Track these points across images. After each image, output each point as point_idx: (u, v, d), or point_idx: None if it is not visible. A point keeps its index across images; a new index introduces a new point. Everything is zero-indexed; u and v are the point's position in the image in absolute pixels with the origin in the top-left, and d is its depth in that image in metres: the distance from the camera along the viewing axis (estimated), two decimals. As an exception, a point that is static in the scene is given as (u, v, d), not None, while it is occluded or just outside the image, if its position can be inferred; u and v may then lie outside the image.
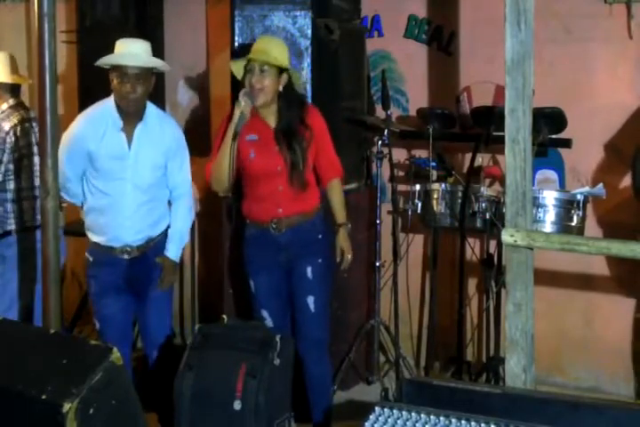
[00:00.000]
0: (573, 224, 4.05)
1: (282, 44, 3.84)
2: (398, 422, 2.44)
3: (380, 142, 4.43)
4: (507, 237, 2.90)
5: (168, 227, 3.88)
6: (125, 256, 3.80)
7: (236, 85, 4.20)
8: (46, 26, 3.29)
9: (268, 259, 3.85)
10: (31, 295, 4.41)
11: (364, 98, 4.70)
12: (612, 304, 4.58)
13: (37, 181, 4.39)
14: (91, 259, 3.87)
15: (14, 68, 4.56)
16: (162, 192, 3.86)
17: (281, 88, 3.75)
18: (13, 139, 4.38)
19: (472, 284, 4.80)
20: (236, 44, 4.27)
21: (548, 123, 4.18)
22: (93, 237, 3.86)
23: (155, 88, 3.93)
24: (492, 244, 4.42)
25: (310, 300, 3.83)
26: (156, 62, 3.80)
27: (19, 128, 4.39)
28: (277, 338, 3.44)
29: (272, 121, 3.80)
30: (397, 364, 4.54)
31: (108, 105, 3.78)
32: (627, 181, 4.37)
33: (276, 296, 3.90)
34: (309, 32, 4.22)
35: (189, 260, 5.17)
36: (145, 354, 3.97)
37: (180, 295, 5.25)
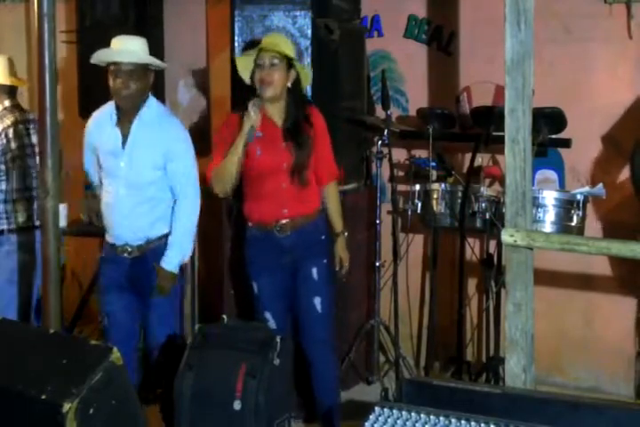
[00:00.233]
0: (573, 224, 4.05)
1: (289, 41, 3.88)
2: (398, 422, 2.44)
3: (379, 142, 4.43)
4: (506, 237, 2.90)
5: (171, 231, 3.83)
6: (126, 255, 3.80)
7: (236, 85, 4.20)
8: (46, 26, 3.30)
9: (271, 261, 3.84)
10: (26, 296, 4.47)
11: (363, 98, 4.70)
12: (612, 304, 4.58)
13: (34, 183, 4.46)
14: (102, 255, 3.92)
15: (12, 71, 4.60)
16: (162, 193, 3.79)
17: (289, 84, 3.76)
18: (5, 141, 4.45)
19: (472, 284, 4.80)
20: (236, 43, 4.26)
21: (548, 123, 4.18)
22: (105, 234, 3.90)
23: (155, 88, 3.93)
24: (492, 244, 4.42)
25: (317, 301, 3.83)
26: (149, 59, 3.77)
27: (11, 130, 4.44)
28: (277, 338, 3.44)
29: (278, 118, 3.79)
30: (397, 364, 4.53)
31: (112, 101, 3.81)
32: (627, 181, 4.37)
33: (279, 298, 3.89)
34: (309, 32, 4.21)
35: (189, 260, 5.15)
36: (146, 353, 3.97)
37: (180, 295, 5.24)
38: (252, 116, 3.67)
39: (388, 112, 4.52)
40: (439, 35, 4.91)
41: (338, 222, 3.96)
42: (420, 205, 4.44)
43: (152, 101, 3.80)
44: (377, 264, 4.53)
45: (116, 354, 2.76)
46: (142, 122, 3.75)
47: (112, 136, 3.77)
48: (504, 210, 3.00)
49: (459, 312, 4.48)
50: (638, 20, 4.39)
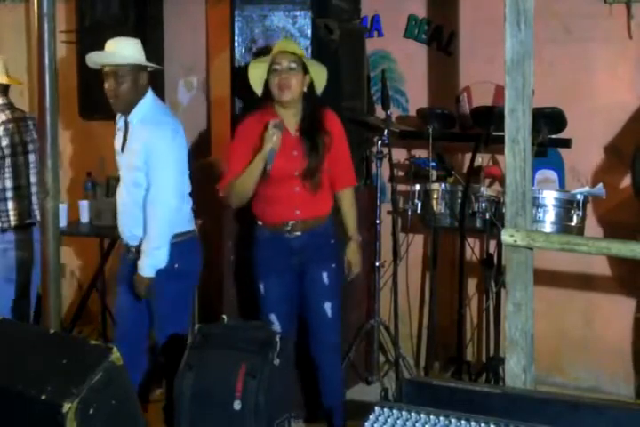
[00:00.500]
0: (573, 224, 4.05)
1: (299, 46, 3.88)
2: (398, 422, 2.44)
3: (379, 142, 4.42)
4: (506, 237, 2.90)
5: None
6: (130, 255, 3.82)
7: (236, 85, 4.20)
8: (46, 26, 3.30)
9: (280, 262, 3.83)
10: (24, 294, 4.49)
11: (363, 98, 4.69)
12: (612, 304, 4.58)
13: (23, 181, 4.48)
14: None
15: (5, 70, 4.60)
16: (141, 196, 3.72)
17: (305, 89, 3.76)
18: None
19: (472, 284, 4.80)
20: (236, 43, 4.26)
21: (548, 123, 4.18)
22: None
23: (155, 88, 3.92)
24: (492, 244, 4.42)
25: (327, 306, 3.84)
26: (131, 59, 3.69)
27: (1, 128, 4.43)
28: (277, 338, 3.44)
29: (292, 124, 3.78)
30: (397, 364, 4.53)
31: None
32: (627, 180, 4.37)
33: (285, 300, 3.88)
34: (309, 32, 4.21)
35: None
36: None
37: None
38: (275, 139, 3.65)
39: (388, 112, 4.52)
40: (439, 35, 4.90)
41: (351, 226, 3.94)
42: (419, 205, 4.44)
43: (145, 102, 3.75)
44: (377, 264, 4.52)
45: (115, 354, 2.76)
46: (132, 124, 3.75)
47: (118, 138, 3.83)
48: (504, 210, 3.00)
49: (459, 312, 4.47)
50: (638, 20, 4.38)
